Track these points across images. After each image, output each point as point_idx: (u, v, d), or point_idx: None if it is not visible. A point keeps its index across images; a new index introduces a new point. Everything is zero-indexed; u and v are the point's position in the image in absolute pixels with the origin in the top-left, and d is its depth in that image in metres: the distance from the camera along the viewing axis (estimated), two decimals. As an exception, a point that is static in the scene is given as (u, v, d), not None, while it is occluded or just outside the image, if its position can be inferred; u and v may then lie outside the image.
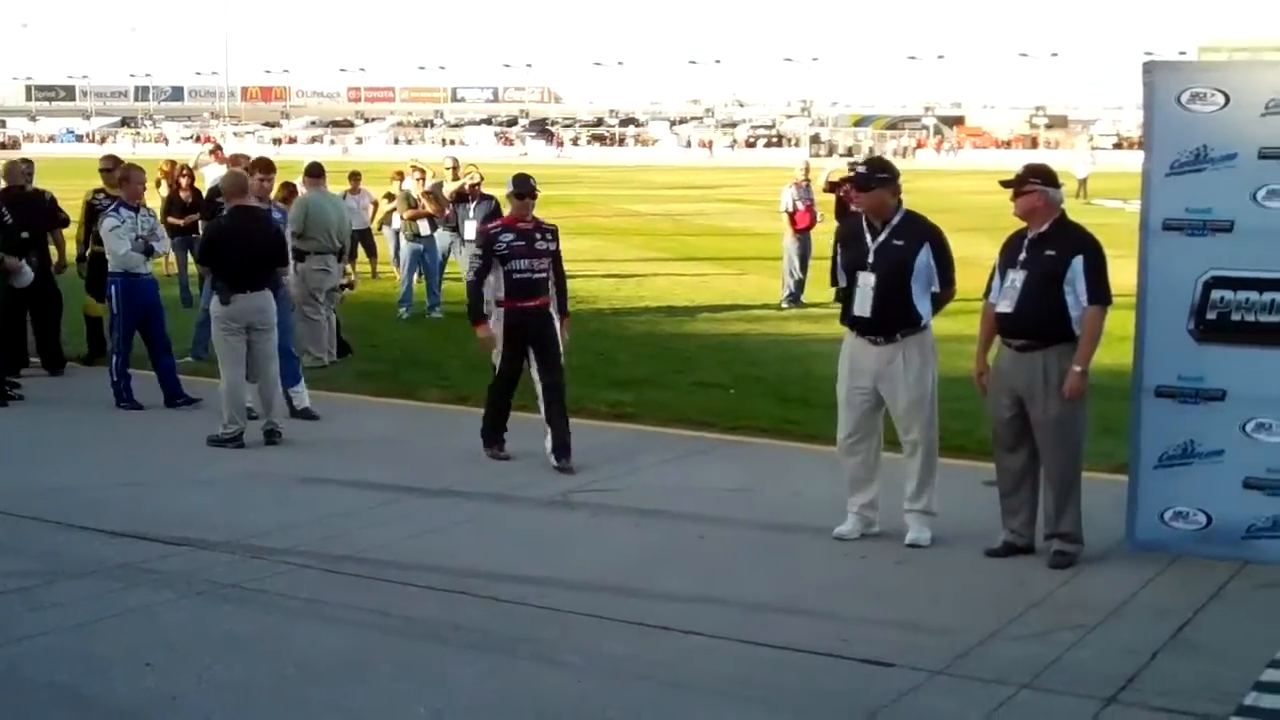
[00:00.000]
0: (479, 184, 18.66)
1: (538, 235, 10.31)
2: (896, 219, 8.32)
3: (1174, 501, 8.12)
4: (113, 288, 12.62)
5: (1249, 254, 7.84)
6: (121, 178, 13.07)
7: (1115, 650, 6.58)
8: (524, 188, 10.31)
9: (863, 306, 8.28)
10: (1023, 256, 7.93)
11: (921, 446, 8.33)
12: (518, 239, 10.19)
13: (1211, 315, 7.96)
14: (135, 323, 12.59)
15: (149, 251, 12.57)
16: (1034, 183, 7.93)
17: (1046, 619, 7.04)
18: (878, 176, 8.38)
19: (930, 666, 6.35)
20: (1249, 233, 7.83)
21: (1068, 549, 7.91)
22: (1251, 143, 7.85)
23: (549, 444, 10.17)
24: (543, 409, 10.28)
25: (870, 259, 8.27)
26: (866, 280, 8.26)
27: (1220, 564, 7.83)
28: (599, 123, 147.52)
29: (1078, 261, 7.81)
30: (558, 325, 10.45)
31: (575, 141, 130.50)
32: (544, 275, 10.33)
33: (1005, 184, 8.04)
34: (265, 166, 12.79)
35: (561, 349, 10.45)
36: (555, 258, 10.47)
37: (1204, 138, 7.94)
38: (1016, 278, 7.91)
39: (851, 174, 20.73)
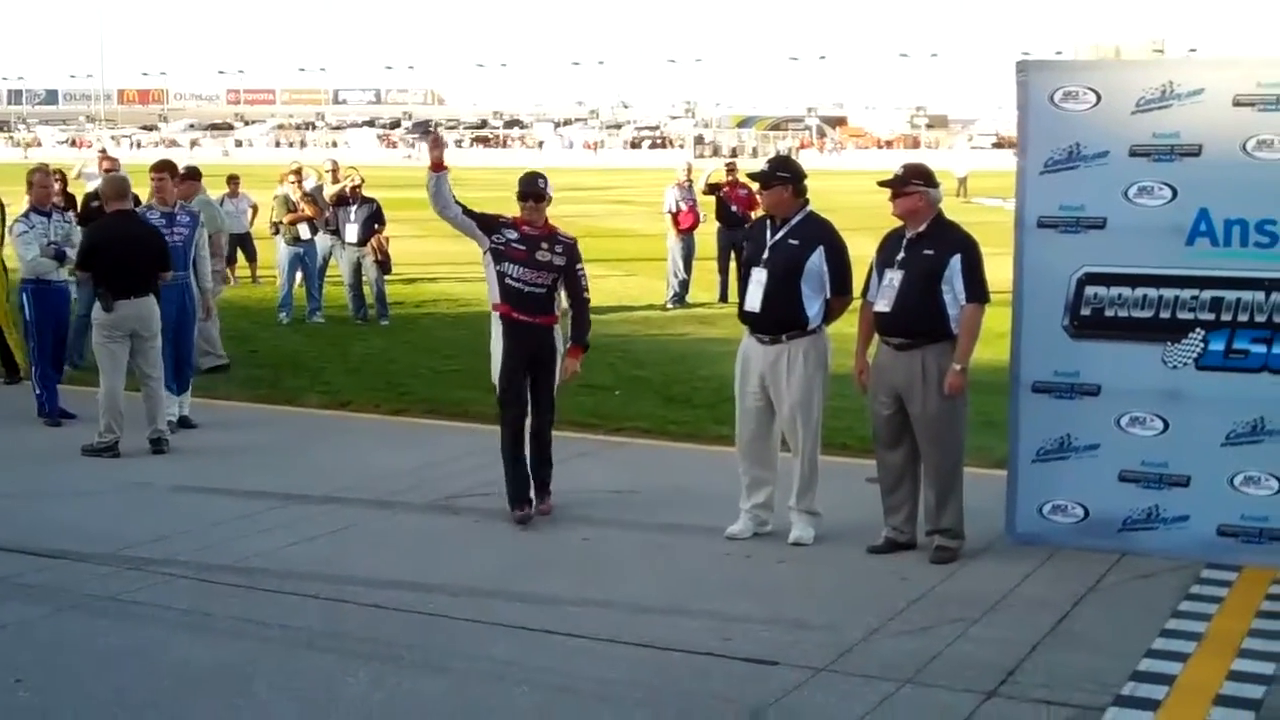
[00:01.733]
0: (359, 186, 18.52)
1: (543, 244, 8.83)
2: (797, 219, 8.34)
3: (1052, 495, 8.24)
4: (23, 296, 12.28)
5: (1121, 250, 7.97)
6: (27, 182, 12.70)
7: (996, 643, 6.65)
8: (527, 188, 8.89)
9: (753, 302, 8.31)
10: (901, 256, 8.00)
11: (804, 448, 8.36)
12: (519, 241, 8.81)
13: (1086, 311, 8.08)
14: (51, 328, 12.25)
15: (60, 257, 12.17)
16: (916, 184, 8.00)
17: (928, 614, 7.10)
18: (778, 175, 8.40)
19: (814, 664, 6.37)
20: (1121, 229, 7.96)
21: (949, 544, 7.99)
22: (1123, 140, 7.98)
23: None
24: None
25: (765, 255, 8.29)
26: (758, 276, 8.29)
27: (1098, 556, 7.95)
28: (483, 125, 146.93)
29: (955, 261, 7.89)
30: (559, 355, 9.02)
31: (459, 144, 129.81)
32: (544, 291, 8.84)
33: (884, 184, 8.09)
34: (170, 169, 12.42)
35: (558, 382, 9.08)
36: (568, 275, 8.93)
37: (1077, 136, 8.06)
38: (895, 277, 7.97)
39: (730, 177, 21.01)
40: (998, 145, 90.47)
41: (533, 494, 8.93)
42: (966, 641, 6.70)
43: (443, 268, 25.51)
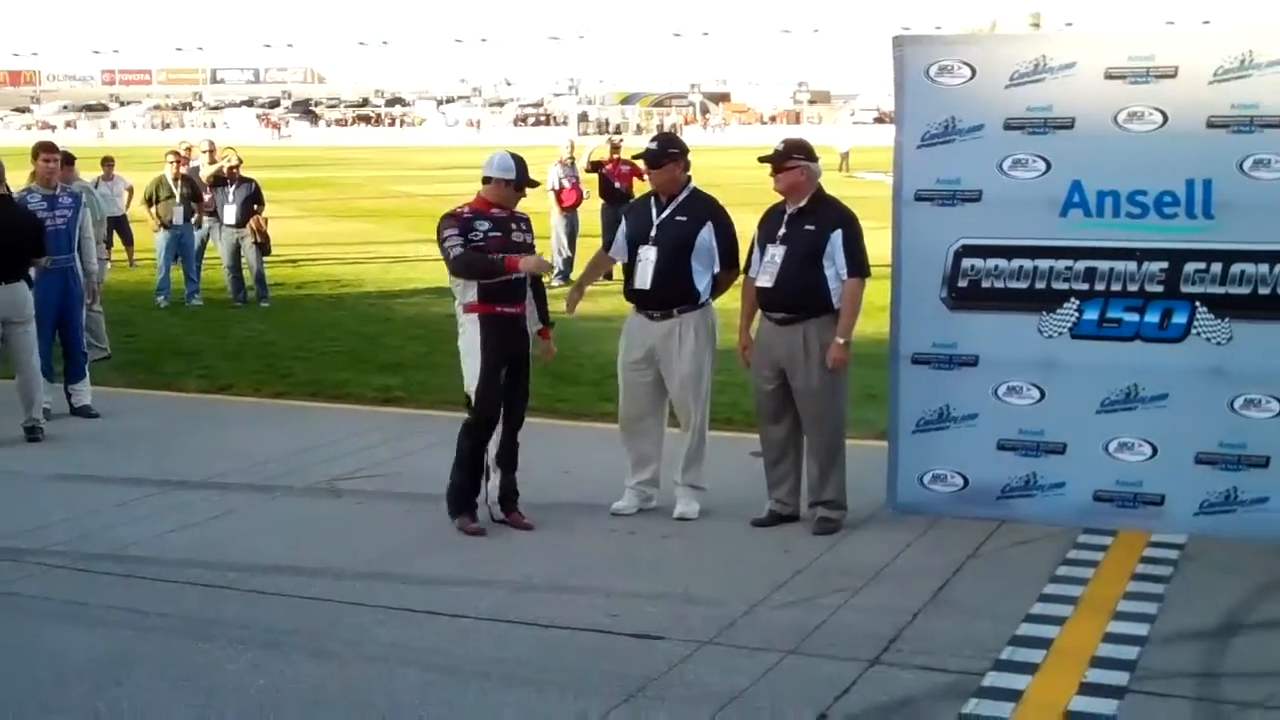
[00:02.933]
0: (237, 167, 18.26)
1: (513, 225, 8.25)
2: (683, 195, 8.35)
3: (932, 465, 8.34)
4: None
5: (996, 222, 8.09)
6: None
7: (878, 612, 6.73)
8: (525, 179, 8.31)
9: (643, 280, 8.30)
10: (783, 231, 8.04)
11: (694, 422, 8.39)
12: (494, 229, 8.11)
13: (963, 283, 8.19)
14: None
15: None
16: (797, 159, 8.03)
17: (812, 585, 7.16)
18: (669, 152, 8.40)
19: (699, 637, 6.40)
20: (996, 201, 8.07)
21: (832, 515, 8.07)
22: (997, 114, 8.09)
23: (494, 490, 8.37)
24: (494, 447, 8.33)
25: (653, 233, 8.29)
26: (647, 254, 8.29)
27: (978, 524, 8.07)
28: (364, 103, 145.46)
29: (836, 236, 7.94)
30: (531, 341, 8.61)
31: (342, 122, 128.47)
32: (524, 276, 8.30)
33: (765, 159, 8.12)
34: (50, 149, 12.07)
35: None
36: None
37: (952, 110, 8.16)
38: (776, 252, 8.01)
39: (614, 154, 20.96)
40: (879, 120, 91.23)
41: (496, 503, 8.34)
42: (849, 611, 6.77)
43: (324, 248, 25.30)
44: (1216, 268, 7.76)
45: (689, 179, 8.41)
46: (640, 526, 8.23)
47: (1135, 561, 7.48)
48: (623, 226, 8.59)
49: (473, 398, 8.15)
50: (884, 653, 6.22)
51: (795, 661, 6.15)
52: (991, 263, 8.13)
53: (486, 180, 8.17)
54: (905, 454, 8.40)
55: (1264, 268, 7.67)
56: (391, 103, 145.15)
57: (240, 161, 18.43)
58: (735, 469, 8.83)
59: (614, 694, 5.81)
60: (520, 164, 8.20)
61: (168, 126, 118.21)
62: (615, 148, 21.38)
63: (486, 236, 8.07)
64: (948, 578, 7.26)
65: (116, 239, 22.24)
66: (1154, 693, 5.83)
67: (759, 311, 8.21)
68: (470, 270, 8.02)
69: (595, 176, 20.71)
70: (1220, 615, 6.67)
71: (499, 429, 8.26)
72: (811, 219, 7.98)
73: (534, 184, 8.34)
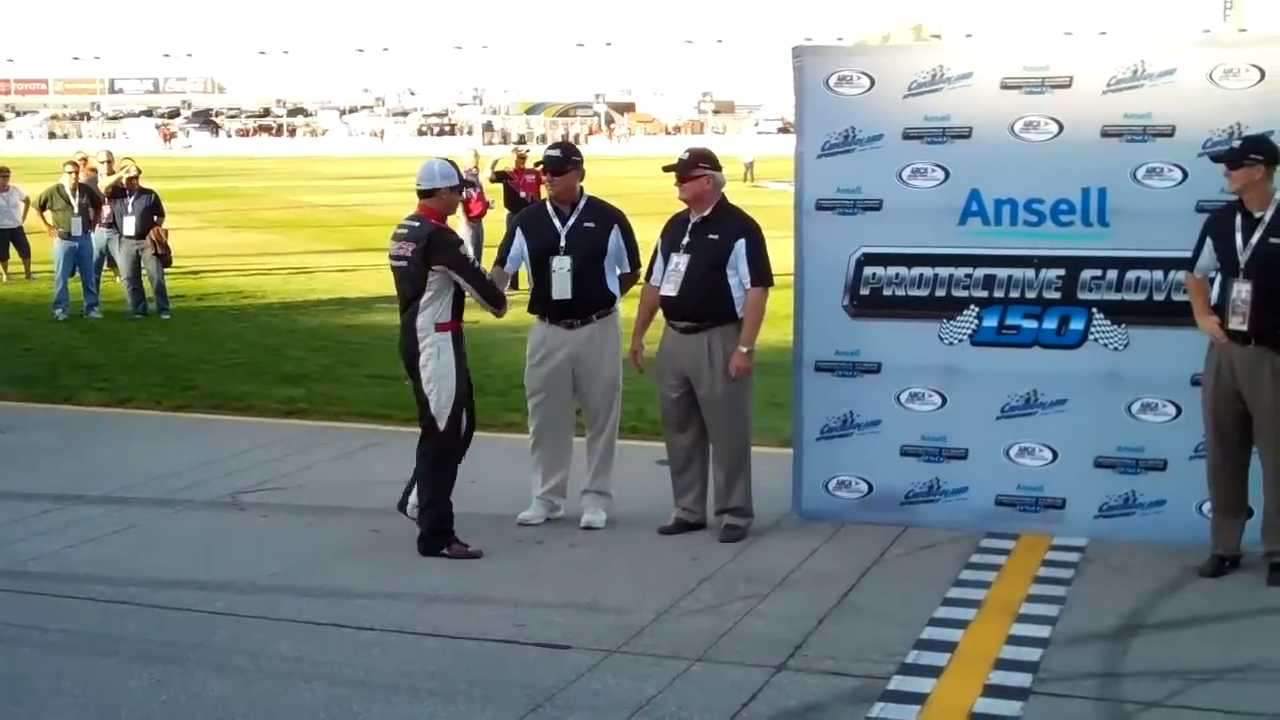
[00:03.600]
0: (136, 177, 18.01)
1: None
2: (583, 203, 8.37)
3: (837, 471, 8.41)
4: None
5: (897, 231, 8.18)
6: None
7: (785, 618, 6.77)
8: (464, 180, 8.21)
9: (562, 290, 8.28)
10: (687, 240, 8.07)
11: (606, 429, 8.41)
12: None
13: (865, 291, 8.27)
14: None
15: None
16: (702, 167, 8.06)
17: (718, 592, 7.19)
18: (573, 160, 8.42)
19: (606, 646, 6.41)
20: (896, 210, 8.17)
21: (738, 523, 8.11)
22: (896, 124, 8.18)
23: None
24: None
25: (562, 243, 8.28)
26: (561, 264, 8.27)
27: (882, 529, 8.15)
28: (266, 113, 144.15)
29: (740, 245, 7.98)
30: None
31: (243, 133, 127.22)
32: None
33: (670, 169, 8.14)
34: None
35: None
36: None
37: (852, 120, 8.24)
38: (681, 261, 8.03)
39: (520, 165, 20.91)
40: (783, 130, 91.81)
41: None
42: (755, 618, 6.80)
43: (225, 260, 25.05)
44: (1112, 275, 7.90)
45: (583, 189, 8.43)
46: (547, 536, 8.22)
47: (1037, 565, 7.58)
48: (519, 239, 8.51)
49: (444, 422, 7.83)
50: (790, 658, 6.26)
51: (702, 669, 6.17)
52: (892, 271, 8.21)
53: (430, 193, 7.84)
54: (810, 461, 8.46)
55: (1158, 274, 7.81)
56: (293, 113, 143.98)
57: (139, 172, 18.19)
58: (642, 478, 8.85)
59: (521, 704, 5.79)
60: (456, 166, 8.13)
61: (65, 137, 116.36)
62: (521, 158, 21.38)
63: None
64: (853, 583, 7.32)
65: (13, 251, 21.93)
66: (1056, 694, 5.91)
67: (664, 320, 8.23)
68: (492, 294, 7.99)
69: (501, 186, 20.68)
70: (1121, 616, 6.78)
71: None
72: (715, 228, 8.03)
73: (470, 183, 8.20)
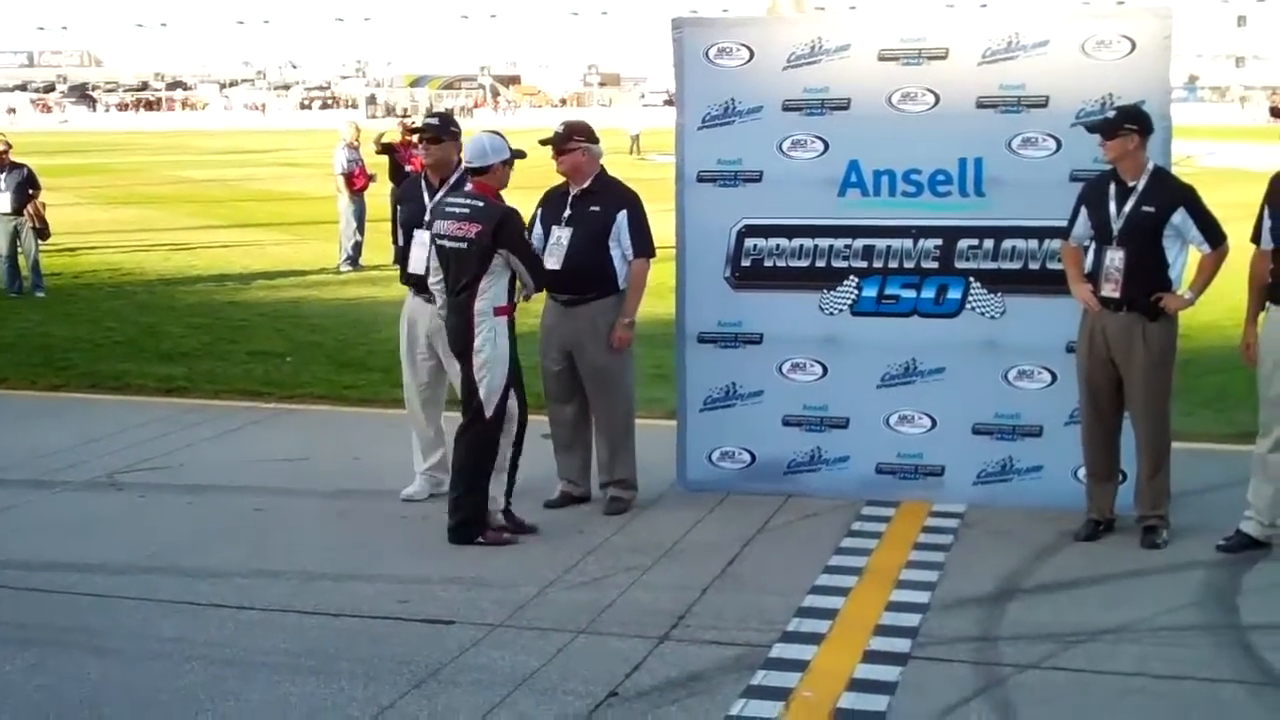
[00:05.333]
0: (6, 152, 17.58)
1: None
2: (454, 178, 8.28)
3: (720, 442, 8.45)
4: None
5: (777, 202, 8.22)
6: None
7: (668, 589, 6.80)
8: (515, 151, 7.71)
9: (418, 264, 8.22)
10: (568, 213, 8.04)
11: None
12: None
13: (746, 262, 8.30)
14: None
15: None
16: (577, 140, 8.04)
17: (603, 564, 7.21)
18: (450, 130, 8.35)
19: (490, 620, 6.41)
20: (776, 182, 8.20)
21: (623, 495, 8.13)
22: (775, 96, 8.21)
23: (496, 501, 7.71)
24: (500, 453, 7.69)
25: (426, 216, 8.21)
26: (423, 238, 8.20)
27: (766, 499, 8.21)
28: (144, 87, 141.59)
29: (622, 216, 7.97)
30: None
31: (121, 107, 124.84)
32: None
33: (546, 142, 8.11)
34: None
35: None
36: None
37: (732, 91, 8.26)
38: (563, 235, 8.01)
39: (405, 137, 20.70)
40: (669, 103, 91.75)
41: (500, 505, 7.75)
42: (640, 589, 6.83)
43: (102, 236, 24.59)
44: (989, 244, 8.00)
45: (459, 161, 8.34)
46: (432, 512, 8.16)
47: (917, 531, 7.68)
48: (399, 211, 8.47)
49: (490, 408, 7.51)
50: (674, 629, 6.30)
51: (587, 641, 6.18)
52: (773, 242, 8.26)
53: (483, 170, 7.52)
54: (693, 432, 8.49)
55: (1033, 243, 7.92)
56: (172, 86, 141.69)
57: (9, 147, 17.76)
58: (526, 451, 8.80)
59: (404, 680, 5.77)
60: (504, 138, 7.69)
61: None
62: (407, 130, 21.16)
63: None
64: (736, 553, 7.36)
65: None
66: (935, 658, 5.99)
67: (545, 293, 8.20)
68: (536, 287, 7.79)
69: (385, 159, 20.47)
70: (997, 581, 6.89)
71: (512, 433, 7.71)
72: (596, 200, 8.01)
73: (522, 154, 7.79)
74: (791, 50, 8.18)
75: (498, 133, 7.68)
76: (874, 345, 8.17)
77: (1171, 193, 7.30)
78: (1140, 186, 7.27)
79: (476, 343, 7.46)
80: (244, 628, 6.42)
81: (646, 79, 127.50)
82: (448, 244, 7.49)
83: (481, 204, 7.46)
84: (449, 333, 7.65)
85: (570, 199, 8.07)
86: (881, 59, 8.08)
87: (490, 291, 7.45)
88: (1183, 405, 8.39)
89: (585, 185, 8.05)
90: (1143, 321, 7.27)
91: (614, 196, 8.07)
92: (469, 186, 7.63)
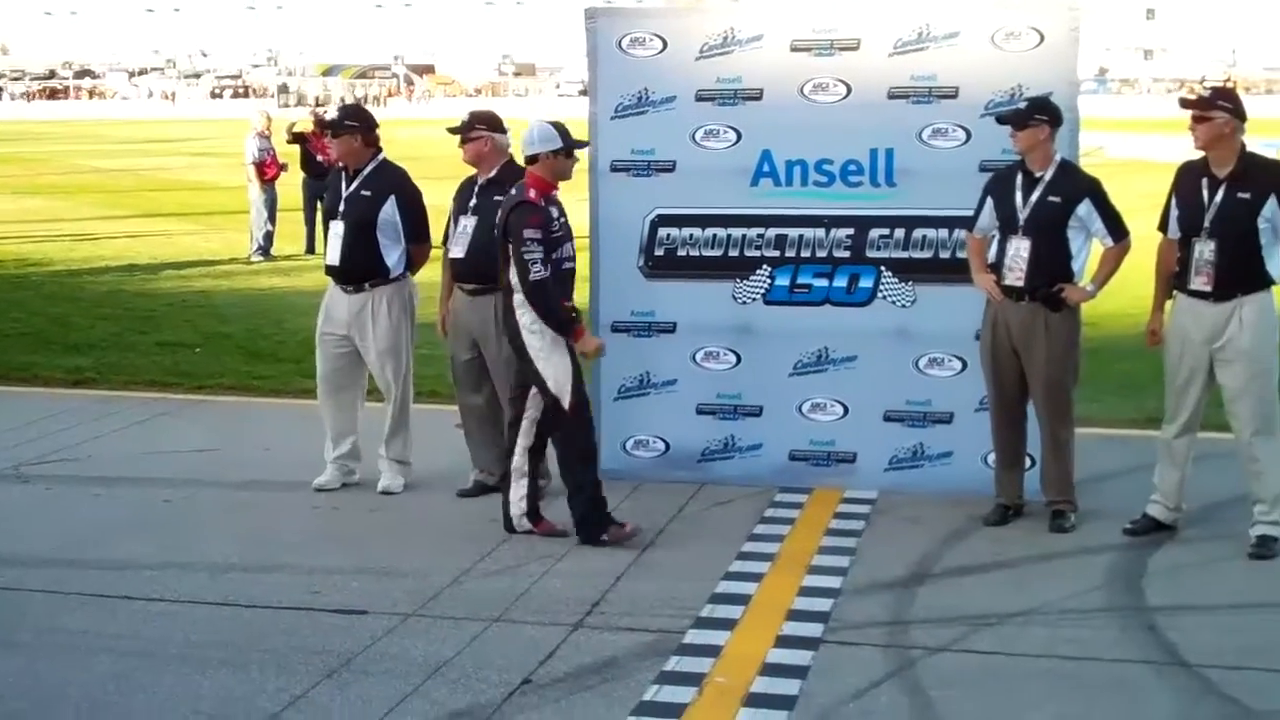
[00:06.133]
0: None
1: (561, 207, 7.53)
2: (369, 168, 8.23)
3: (634, 431, 8.47)
4: None
5: (690, 192, 8.25)
6: None
7: (582, 577, 6.82)
8: (574, 141, 7.51)
9: (333, 255, 8.20)
10: (473, 202, 8.02)
11: (395, 395, 8.33)
12: (561, 214, 7.42)
13: (659, 252, 8.32)
14: None
15: None
16: (480, 129, 8.02)
17: (517, 553, 7.20)
18: (346, 123, 8.28)
19: (403, 610, 6.39)
20: (689, 172, 8.23)
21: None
22: (689, 85, 8.24)
23: (517, 506, 7.54)
24: (518, 454, 7.53)
25: (341, 208, 8.18)
26: (336, 229, 8.18)
27: (680, 487, 8.24)
28: (51, 75, 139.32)
29: None
30: None
31: (28, 96, 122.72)
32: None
33: (453, 131, 8.09)
34: None
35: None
36: None
37: (645, 81, 8.28)
38: (469, 224, 7.99)
39: (316, 126, 20.55)
40: (583, 93, 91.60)
41: (525, 515, 7.55)
42: (553, 577, 6.84)
43: (8, 226, 24.20)
44: (900, 233, 8.07)
45: (376, 152, 8.27)
46: (344, 502, 8.14)
47: (829, 517, 7.74)
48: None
49: (568, 399, 7.29)
50: (588, 616, 6.31)
51: (500, 629, 6.18)
52: (686, 232, 8.28)
53: (533, 159, 7.36)
54: (608, 421, 8.50)
55: (943, 232, 8.01)
56: (80, 74, 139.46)
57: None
58: (440, 441, 8.80)
59: (316, 671, 5.74)
60: (561, 128, 7.47)
61: None
62: (319, 120, 20.97)
63: (561, 226, 7.37)
64: (651, 540, 7.39)
65: None
66: (847, 642, 6.05)
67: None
68: (541, 306, 7.23)
69: (297, 148, 20.29)
70: (909, 566, 6.96)
71: (530, 433, 7.53)
72: (502, 190, 7.96)
73: (584, 144, 7.67)
74: (705, 40, 8.21)
75: (556, 123, 7.47)
76: (787, 334, 8.22)
77: (1078, 184, 7.40)
78: (1047, 177, 7.36)
79: (524, 335, 7.28)
80: (153, 620, 6.35)
81: (562, 69, 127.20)
82: (496, 233, 7.43)
83: (514, 193, 7.37)
84: (499, 323, 7.55)
85: (476, 188, 8.04)
86: (794, 49, 8.13)
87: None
88: (1091, 392, 8.51)
89: (491, 174, 8.02)
90: (1045, 312, 7.36)
91: (519, 184, 8.02)
92: (525, 178, 7.42)
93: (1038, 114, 7.34)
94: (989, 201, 7.50)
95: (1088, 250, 7.46)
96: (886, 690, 5.56)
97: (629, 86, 8.29)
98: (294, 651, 5.95)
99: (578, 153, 7.52)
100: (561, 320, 7.29)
